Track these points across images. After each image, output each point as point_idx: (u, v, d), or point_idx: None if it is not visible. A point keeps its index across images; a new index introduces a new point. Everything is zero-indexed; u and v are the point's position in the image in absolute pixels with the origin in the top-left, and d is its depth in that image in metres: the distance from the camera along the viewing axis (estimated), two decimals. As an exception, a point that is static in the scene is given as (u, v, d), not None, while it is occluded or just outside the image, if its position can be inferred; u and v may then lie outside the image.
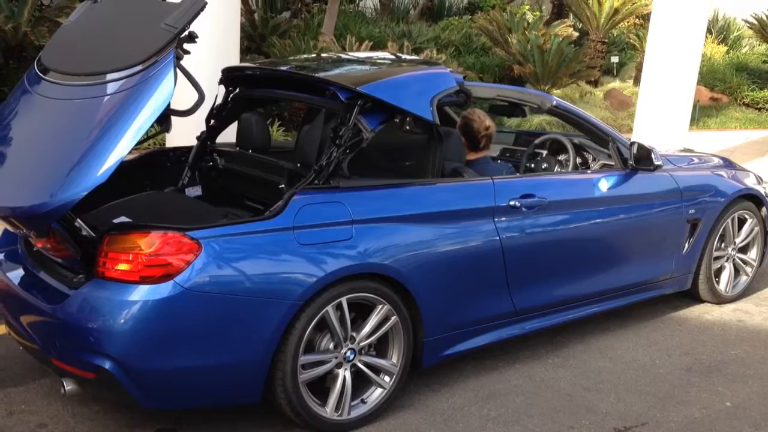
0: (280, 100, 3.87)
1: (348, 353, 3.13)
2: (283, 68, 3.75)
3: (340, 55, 4.31)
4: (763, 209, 4.90)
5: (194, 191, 3.90)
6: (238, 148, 3.88)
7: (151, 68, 2.71)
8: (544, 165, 4.49)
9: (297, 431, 3.13)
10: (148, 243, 2.72)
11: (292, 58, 4.12)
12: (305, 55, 4.22)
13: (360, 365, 3.18)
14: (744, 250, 4.92)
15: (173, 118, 2.99)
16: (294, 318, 2.91)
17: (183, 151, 4.01)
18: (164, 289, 2.68)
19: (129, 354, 2.68)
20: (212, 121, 3.95)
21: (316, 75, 3.52)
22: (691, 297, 4.80)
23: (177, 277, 2.69)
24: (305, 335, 2.96)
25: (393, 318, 3.20)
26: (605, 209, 4.02)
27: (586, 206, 3.94)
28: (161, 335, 2.71)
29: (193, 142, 4.01)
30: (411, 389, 3.48)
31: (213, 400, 2.95)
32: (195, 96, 2.85)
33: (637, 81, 12.56)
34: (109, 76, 2.77)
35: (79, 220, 2.84)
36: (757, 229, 4.89)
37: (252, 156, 3.77)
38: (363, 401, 3.21)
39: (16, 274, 3.22)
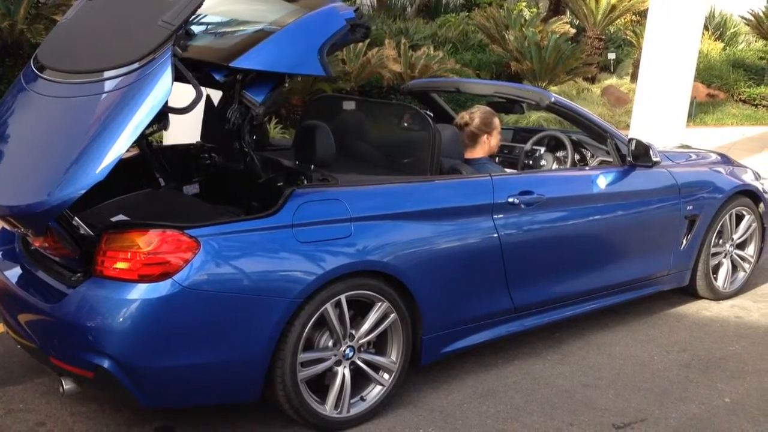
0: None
1: (347, 351, 3.13)
2: None
3: (223, 14, 3.42)
4: (761, 205, 4.91)
5: (192, 189, 3.89)
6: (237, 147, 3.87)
7: (149, 66, 2.70)
8: (543, 162, 4.49)
9: (296, 429, 3.13)
10: (147, 241, 2.71)
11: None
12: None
13: (359, 363, 3.18)
14: (742, 246, 4.93)
15: (171, 116, 2.98)
16: (293, 316, 2.91)
17: (181, 149, 4.00)
18: (163, 288, 2.68)
19: (128, 352, 2.68)
20: None
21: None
22: (689, 293, 4.80)
23: (175, 275, 2.69)
24: (304, 333, 2.96)
25: (392, 315, 3.19)
26: (603, 206, 4.02)
27: (585, 203, 3.94)
28: (160, 334, 2.70)
29: (190, 140, 4.00)
30: (410, 386, 3.48)
31: (212, 398, 2.95)
32: (192, 93, 2.84)
33: (634, 77, 12.57)
34: (107, 74, 2.76)
35: (76, 218, 2.83)
36: (754, 225, 4.90)
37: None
38: (362, 399, 3.22)
39: (13, 273, 3.21)
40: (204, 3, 2.76)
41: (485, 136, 4.02)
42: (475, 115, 4.03)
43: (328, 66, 3.02)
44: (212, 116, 3.51)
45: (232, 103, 2.99)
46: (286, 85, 3.08)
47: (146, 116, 2.66)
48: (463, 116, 4.05)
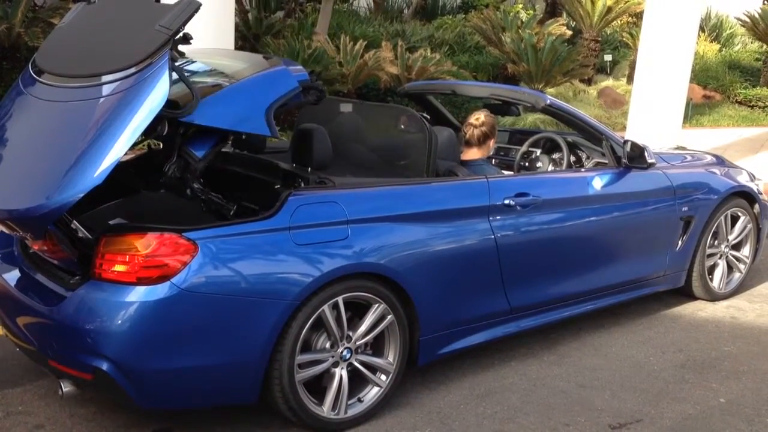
0: None
1: (344, 352, 3.14)
2: None
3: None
4: (756, 206, 4.94)
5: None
6: (233, 149, 3.88)
7: (146, 70, 2.72)
8: (539, 164, 4.51)
9: (294, 431, 3.14)
10: (145, 244, 2.73)
11: None
12: None
13: (356, 364, 3.19)
14: (737, 247, 4.95)
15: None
16: (291, 318, 2.93)
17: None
18: (161, 290, 2.69)
19: (126, 355, 2.69)
20: None
21: None
22: (685, 294, 4.82)
23: (173, 278, 2.70)
24: (302, 335, 2.97)
25: (389, 317, 3.21)
26: (599, 207, 4.04)
27: (581, 204, 3.96)
28: (158, 336, 2.72)
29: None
30: (407, 387, 3.50)
31: (210, 400, 2.96)
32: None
33: (630, 79, 12.59)
34: (104, 78, 2.77)
35: (75, 221, 2.85)
36: (749, 226, 4.92)
37: (247, 156, 3.77)
38: (360, 400, 3.23)
39: (12, 276, 3.22)
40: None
41: (492, 140, 4.07)
42: (487, 118, 4.06)
43: (273, 126, 2.98)
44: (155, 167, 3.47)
45: (171, 156, 2.96)
46: (229, 142, 3.04)
47: (144, 120, 2.67)
48: (478, 117, 4.06)
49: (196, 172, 3.01)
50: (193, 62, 2.93)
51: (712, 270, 4.84)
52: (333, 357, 3.12)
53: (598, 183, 4.07)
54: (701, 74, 14.10)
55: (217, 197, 3.15)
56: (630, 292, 4.37)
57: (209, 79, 3.15)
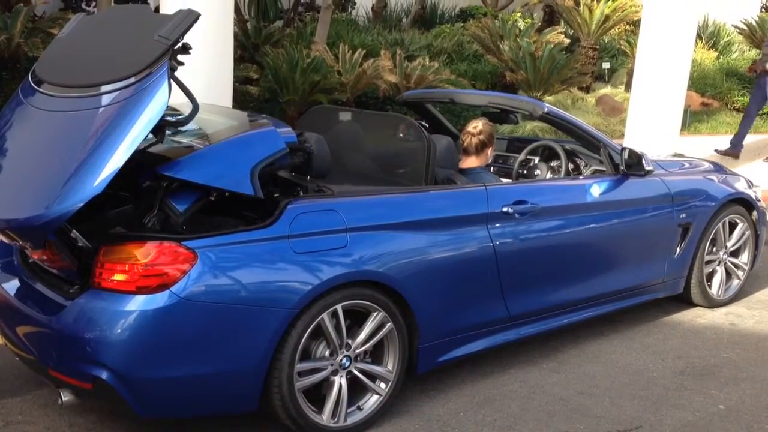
0: None
1: (344, 360, 3.15)
2: None
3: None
4: (754, 213, 4.95)
5: None
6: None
7: (145, 80, 2.73)
8: (537, 171, 4.52)
9: (294, 439, 3.14)
10: (144, 253, 2.74)
11: None
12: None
13: (356, 372, 3.19)
14: (735, 253, 4.96)
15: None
16: (290, 326, 2.93)
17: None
18: (160, 299, 2.70)
19: (126, 364, 2.70)
20: None
21: None
22: (684, 301, 4.83)
23: (173, 286, 2.71)
24: (301, 343, 2.98)
25: (388, 325, 3.22)
26: (597, 214, 4.05)
27: (579, 212, 3.98)
28: (158, 345, 2.72)
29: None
30: (407, 395, 3.50)
31: (210, 408, 2.96)
32: (189, 106, 2.87)
33: (628, 87, 12.59)
34: (104, 88, 2.79)
35: (74, 231, 2.86)
36: (748, 232, 4.93)
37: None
38: (359, 408, 3.23)
39: (12, 286, 3.23)
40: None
41: (490, 147, 4.09)
42: (485, 126, 4.07)
43: (258, 186, 2.94)
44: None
45: (152, 208, 2.97)
46: (212, 198, 3.04)
47: (143, 129, 2.69)
48: (476, 125, 4.08)
49: (177, 226, 2.98)
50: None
51: (710, 277, 4.84)
52: (332, 365, 3.12)
53: (596, 190, 4.08)
54: (699, 82, 14.12)
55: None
56: (629, 299, 4.38)
57: (197, 137, 3.15)
